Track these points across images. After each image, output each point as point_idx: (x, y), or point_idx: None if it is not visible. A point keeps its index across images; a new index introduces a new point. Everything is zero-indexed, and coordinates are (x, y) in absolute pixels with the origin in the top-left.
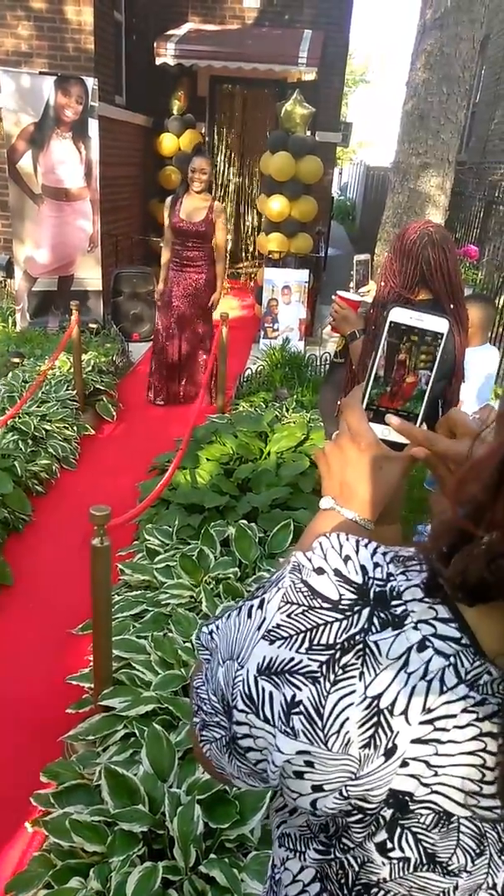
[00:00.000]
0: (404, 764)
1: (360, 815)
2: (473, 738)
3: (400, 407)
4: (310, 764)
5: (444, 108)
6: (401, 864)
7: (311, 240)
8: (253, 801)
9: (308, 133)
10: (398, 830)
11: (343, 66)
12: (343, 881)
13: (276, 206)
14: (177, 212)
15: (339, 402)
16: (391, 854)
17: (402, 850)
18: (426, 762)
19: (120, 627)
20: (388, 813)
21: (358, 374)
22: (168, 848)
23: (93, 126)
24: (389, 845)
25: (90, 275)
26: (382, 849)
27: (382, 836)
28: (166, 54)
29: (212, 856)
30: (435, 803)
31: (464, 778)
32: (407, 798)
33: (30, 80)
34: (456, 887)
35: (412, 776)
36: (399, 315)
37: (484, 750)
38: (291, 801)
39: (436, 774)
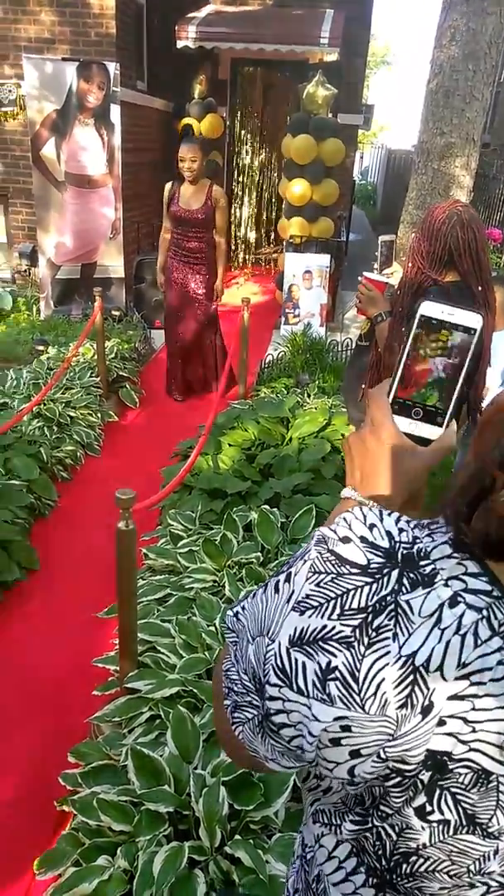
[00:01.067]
0: (441, 722)
1: (398, 779)
2: None
3: (426, 401)
4: (347, 729)
5: (469, 86)
6: (441, 827)
7: (333, 224)
8: (277, 783)
9: (330, 115)
10: (437, 792)
11: (365, 47)
12: (381, 852)
13: (297, 189)
14: (175, 199)
15: (363, 386)
16: (431, 817)
17: (441, 812)
18: (463, 718)
19: (145, 611)
20: (426, 776)
21: (384, 357)
22: (193, 828)
23: (115, 112)
24: (429, 808)
25: (113, 262)
26: (422, 812)
27: (421, 799)
28: (187, 37)
29: (237, 837)
30: (473, 761)
31: (502, 733)
32: (445, 758)
33: (52, 67)
34: (496, 851)
35: (450, 734)
36: (430, 309)
37: None
38: (328, 772)
39: (473, 731)
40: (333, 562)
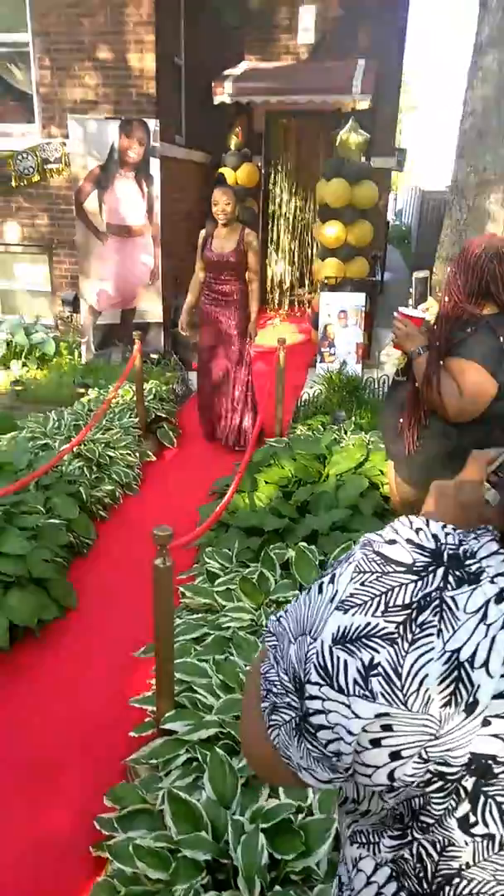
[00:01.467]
0: (486, 723)
1: (439, 783)
2: None
3: None
4: (388, 728)
5: (502, 125)
6: (485, 842)
7: (368, 264)
8: (319, 831)
9: (363, 159)
10: (482, 800)
11: (397, 92)
12: (422, 875)
13: (331, 231)
14: (209, 244)
15: (400, 420)
16: (475, 830)
17: (486, 824)
18: None
19: (182, 651)
20: (470, 782)
21: (421, 391)
22: (232, 878)
23: (154, 165)
24: (472, 819)
25: (151, 307)
26: (465, 824)
27: (465, 808)
28: (224, 93)
29: (277, 888)
30: None
31: None
32: (490, 762)
33: (96, 126)
34: None
35: (495, 736)
36: None
37: None
38: (366, 779)
39: None
40: (379, 562)
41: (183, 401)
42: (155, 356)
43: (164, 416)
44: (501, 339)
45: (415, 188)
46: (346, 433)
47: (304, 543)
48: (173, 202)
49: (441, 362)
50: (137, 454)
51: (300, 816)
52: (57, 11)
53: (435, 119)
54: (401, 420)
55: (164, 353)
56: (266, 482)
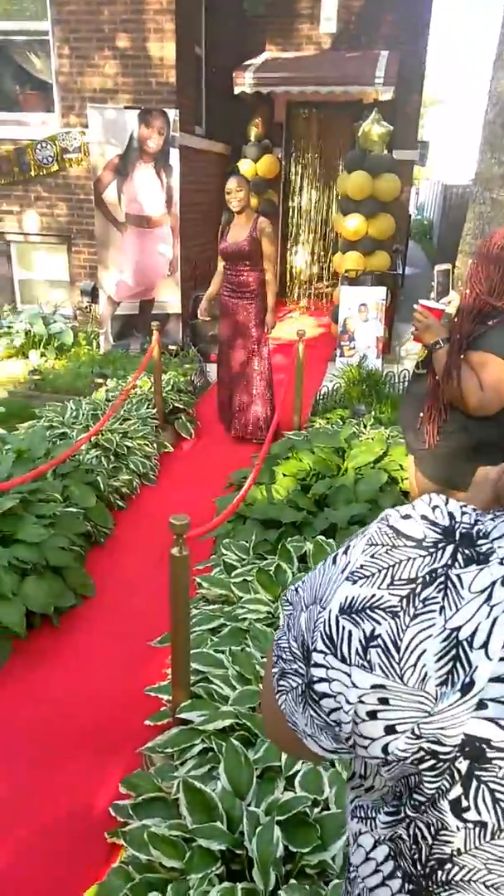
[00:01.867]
0: (482, 706)
1: (432, 761)
2: None
3: None
4: (384, 701)
5: None
6: (477, 829)
7: (389, 257)
8: (335, 825)
9: (385, 152)
10: (474, 784)
11: (420, 84)
12: (416, 856)
13: (352, 224)
14: (224, 236)
15: (421, 414)
16: (467, 815)
17: (478, 810)
18: None
19: (198, 641)
20: (463, 765)
21: (441, 384)
22: (247, 869)
23: (174, 155)
24: (465, 803)
25: (170, 298)
26: (457, 808)
27: (457, 791)
28: (244, 83)
29: (292, 881)
30: None
31: None
32: (484, 745)
33: (115, 115)
34: None
35: (490, 720)
36: None
37: None
38: (363, 751)
39: None
40: (391, 535)
41: (201, 392)
42: (173, 347)
43: (182, 407)
44: None
45: (437, 182)
46: (365, 427)
47: (322, 537)
48: (193, 193)
49: (462, 355)
50: (155, 445)
51: (316, 810)
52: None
53: (458, 113)
54: (421, 414)
55: (183, 345)
56: (284, 475)
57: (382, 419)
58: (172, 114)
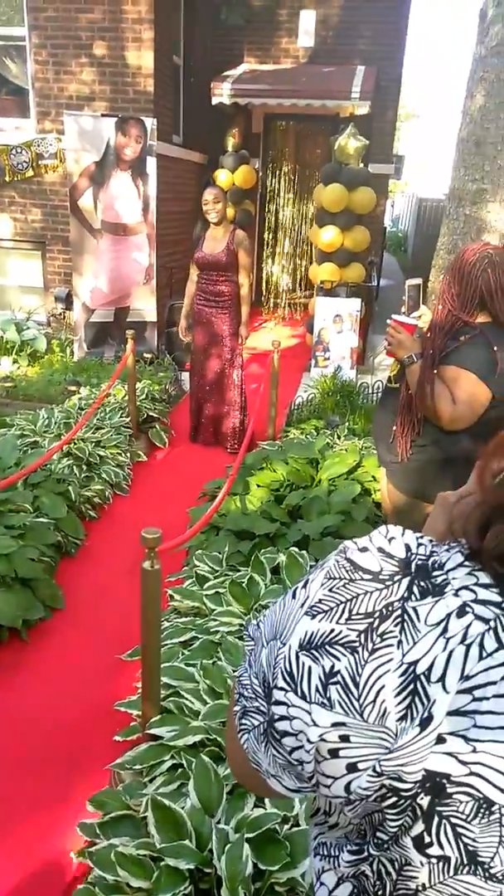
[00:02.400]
0: (441, 740)
1: (394, 799)
2: None
3: None
4: (345, 739)
5: (500, 134)
6: (440, 864)
7: (364, 269)
8: (304, 842)
9: (361, 165)
10: (436, 820)
11: (396, 99)
12: (381, 892)
13: (327, 236)
14: (200, 245)
15: (394, 428)
16: (430, 851)
17: (440, 845)
18: (464, 737)
19: (169, 654)
20: (425, 801)
21: (414, 398)
22: (216, 888)
23: (151, 164)
24: (427, 839)
25: (145, 306)
26: (420, 844)
27: (420, 827)
28: (222, 94)
29: None
30: (474, 787)
31: None
32: (444, 780)
33: (92, 122)
34: None
35: (449, 754)
36: None
37: None
38: (326, 790)
39: (474, 751)
40: (348, 568)
41: (176, 401)
42: (148, 356)
43: (156, 416)
44: (495, 348)
45: (412, 195)
46: (339, 438)
47: (296, 549)
48: (170, 202)
49: (434, 370)
50: (128, 454)
51: (286, 827)
52: (54, 6)
53: (434, 128)
54: (394, 427)
55: (158, 353)
56: (258, 485)
57: (356, 430)
58: (150, 122)
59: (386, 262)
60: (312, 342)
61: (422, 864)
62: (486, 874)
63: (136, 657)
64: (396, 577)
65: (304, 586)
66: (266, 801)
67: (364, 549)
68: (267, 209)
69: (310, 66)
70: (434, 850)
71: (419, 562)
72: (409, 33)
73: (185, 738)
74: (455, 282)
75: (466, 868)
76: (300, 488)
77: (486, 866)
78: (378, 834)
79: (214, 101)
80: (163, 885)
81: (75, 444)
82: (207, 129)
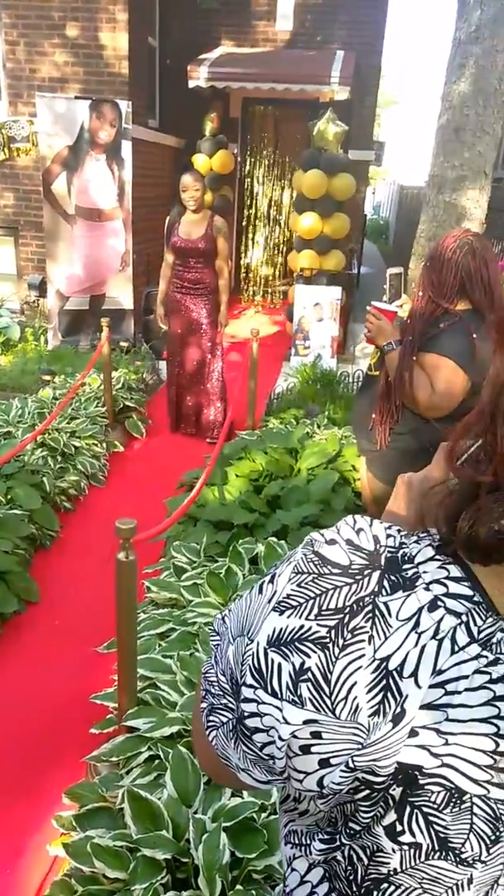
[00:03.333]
0: (413, 734)
1: (367, 791)
2: (486, 703)
3: None
4: (317, 735)
5: (480, 121)
6: (412, 850)
7: (344, 257)
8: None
9: (341, 151)
10: (408, 810)
11: (376, 85)
12: (352, 877)
13: (307, 222)
14: (175, 230)
15: (373, 416)
16: (401, 838)
17: (412, 833)
18: (436, 730)
19: (146, 646)
20: (397, 791)
21: (393, 386)
22: (193, 877)
23: (126, 148)
24: (399, 828)
25: (122, 294)
26: (392, 832)
27: (392, 817)
28: (199, 77)
29: (238, 887)
30: (446, 778)
31: (476, 749)
32: (416, 772)
33: (65, 105)
34: (470, 880)
35: (421, 747)
36: None
37: (498, 716)
38: (298, 784)
39: (446, 743)
40: (316, 562)
41: (153, 391)
42: (125, 344)
43: (132, 405)
44: (474, 335)
45: (393, 182)
46: (318, 427)
47: (274, 538)
48: (145, 187)
49: (414, 357)
50: (104, 444)
51: (263, 815)
52: None
53: (416, 114)
54: (373, 415)
55: (135, 342)
56: (237, 475)
57: (336, 419)
58: (125, 105)
59: (367, 249)
60: (292, 331)
61: (393, 850)
62: (457, 859)
63: (113, 649)
64: (366, 571)
65: (272, 581)
66: (243, 791)
67: (332, 542)
68: (245, 195)
69: (288, 51)
70: (406, 838)
71: (388, 554)
72: (391, 19)
73: (161, 730)
74: (435, 269)
75: (438, 854)
76: (279, 478)
77: (456, 851)
78: (350, 824)
79: (191, 84)
80: (139, 875)
81: (49, 434)
82: (184, 113)
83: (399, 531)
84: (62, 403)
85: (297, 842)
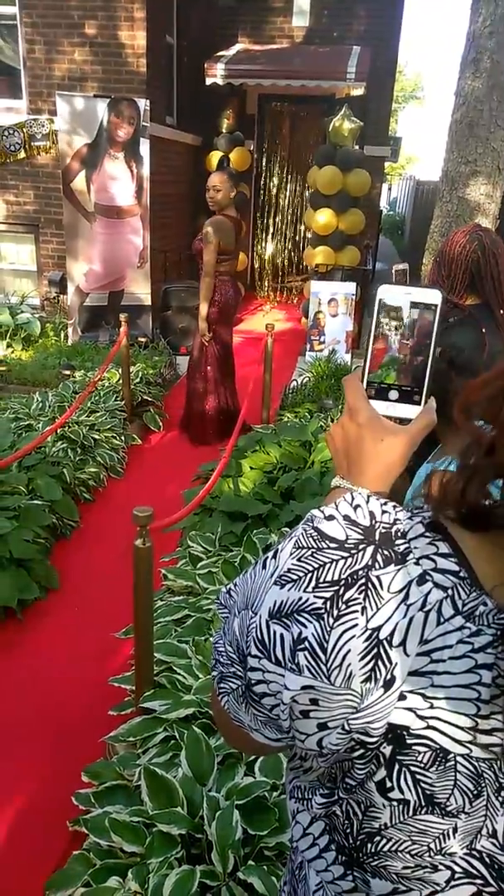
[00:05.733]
0: (402, 697)
1: (361, 751)
2: (469, 671)
3: (401, 382)
4: (315, 702)
5: (494, 116)
6: (400, 807)
7: (359, 253)
8: None
9: (356, 147)
10: (396, 767)
11: (392, 82)
12: (349, 830)
13: (322, 218)
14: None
15: None
16: (391, 795)
17: (400, 790)
18: (422, 694)
19: (162, 632)
20: (387, 750)
21: None
22: (206, 852)
23: (144, 145)
24: (389, 784)
25: (140, 290)
26: (382, 788)
27: (382, 773)
28: (216, 74)
29: (250, 862)
30: (431, 739)
31: (459, 713)
32: (404, 732)
33: (84, 103)
34: (455, 829)
35: (409, 709)
36: (388, 291)
37: (479, 683)
38: (300, 743)
39: (431, 706)
40: (315, 537)
41: (170, 385)
42: (143, 340)
43: (150, 399)
44: (484, 329)
45: (410, 177)
46: (332, 421)
47: (287, 529)
48: (163, 184)
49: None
50: (123, 437)
51: (275, 794)
52: None
53: (435, 110)
54: None
55: (153, 337)
56: (251, 468)
57: None
58: (143, 103)
59: (382, 245)
60: (307, 326)
61: (384, 805)
62: (443, 812)
63: (131, 635)
64: (361, 546)
65: (274, 556)
66: (256, 769)
67: (330, 518)
68: (262, 191)
69: (304, 47)
70: (395, 794)
71: (383, 530)
72: (412, 14)
73: (177, 712)
74: (445, 264)
75: (424, 809)
76: (293, 470)
77: (442, 805)
78: (346, 779)
79: (208, 81)
80: (156, 849)
81: (69, 427)
82: (201, 111)
83: (395, 506)
84: (81, 397)
85: (300, 796)
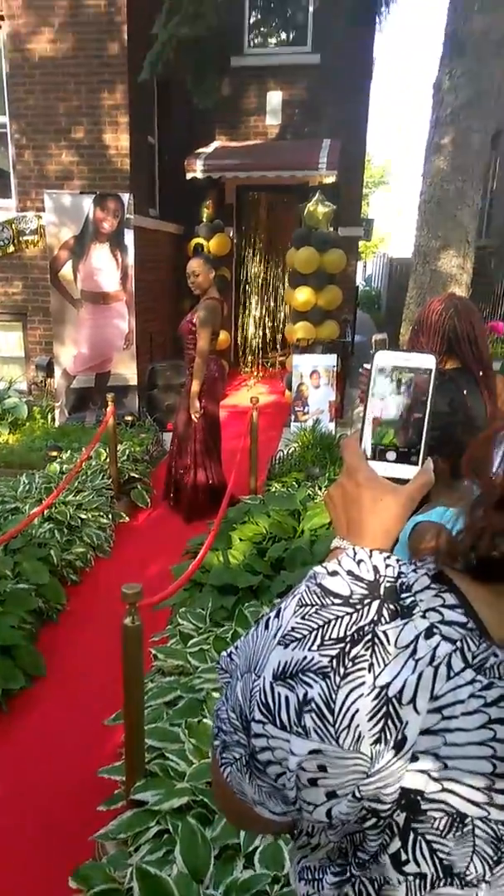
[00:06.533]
0: (414, 758)
1: (374, 820)
2: (482, 727)
3: (398, 444)
4: (323, 768)
5: (460, 194)
6: (417, 881)
7: (338, 326)
8: None
9: (331, 229)
10: (411, 837)
11: (361, 168)
12: None
13: (301, 296)
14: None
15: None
16: (406, 868)
17: (416, 862)
18: (435, 754)
19: (153, 716)
20: (401, 818)
21: None
22: None
23: (128, 236)
24: (404, 856)
25: (126, 370)
26: (397, 862)
27: (396, 844)
28: (196, 169)
29: None
30: (446, 803)
31: (474, 772)
32: (418, 797)
33: (70, 199)
34: None
35: (422, 771)
36: (385, 357)
37: (494, 739)
38: (308, 815)
39: (445, 767)
40: (319, 594)
41: (157, 461)
42: (129, 418)
43: (137, 476)
44: (464, 391)
45: (383, 255)
46: (320, 489)
47: (279, 600)
48: (148, 270)
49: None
50: (110, 515)
51: (276, 887)
52: (34, 95)
53: (403, 194)
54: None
55: (140, 415)
56: (240, 539)
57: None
58: (127, 197)
59: (360, 319)
60: (291, 398)
61: (399, 881)
62: (462, 882)
63: (121, 721)
64: (366, 601)
65: (277, 615)
66: (255, 861)
67: (334, 574)
68: (243, 274)
69: (278, 142)
70: (410, 868)
71: (388, 584)
72: (375, 108)
73: (170, 802)
74: (423, 332)
75: (442, 881)
76: (282, 540)
77: (461, 876)
78: (358, 853)
79: (189, 175)
80: None
81: (56, 507)
82: (183, 202)
83: (398, 561)
84: (68, 477)
85: (309, 877)
